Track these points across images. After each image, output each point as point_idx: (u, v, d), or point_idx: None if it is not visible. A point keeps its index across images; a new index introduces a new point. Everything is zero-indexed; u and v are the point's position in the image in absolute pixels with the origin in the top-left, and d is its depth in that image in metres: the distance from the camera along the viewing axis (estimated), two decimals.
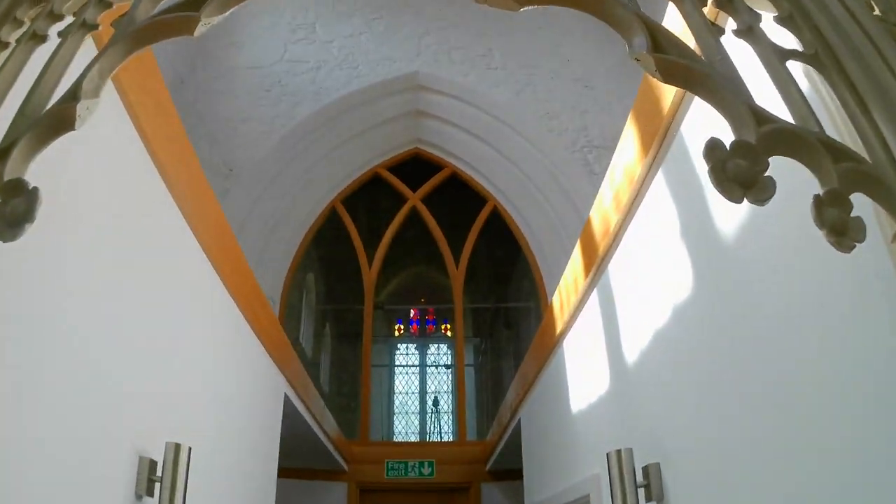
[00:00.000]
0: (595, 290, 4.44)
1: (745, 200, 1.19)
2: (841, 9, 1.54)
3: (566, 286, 4.97)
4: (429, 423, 16.48)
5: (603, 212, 4.03)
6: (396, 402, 17.14)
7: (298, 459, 9.26)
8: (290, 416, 6.55)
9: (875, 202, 1.25)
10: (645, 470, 3.32)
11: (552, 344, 5.53)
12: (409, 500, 10.89)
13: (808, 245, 1.83)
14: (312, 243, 12.58)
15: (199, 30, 1.44)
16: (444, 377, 16.91)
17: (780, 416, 2.19)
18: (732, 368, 2.58)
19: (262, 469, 5.52)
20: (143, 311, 3.13)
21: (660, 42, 1.40)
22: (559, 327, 5.23)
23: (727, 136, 1.25)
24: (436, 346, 17.85)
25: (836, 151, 1.26)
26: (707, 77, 1.36)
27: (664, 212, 3.25)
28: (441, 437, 15.81)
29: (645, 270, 3.57)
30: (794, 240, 2.09)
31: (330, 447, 8.76)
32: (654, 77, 1.41)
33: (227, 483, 4.46)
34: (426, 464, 10.61)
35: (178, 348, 3.61)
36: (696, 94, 1.40)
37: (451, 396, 16.06)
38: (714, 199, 2.70)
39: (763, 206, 1.20)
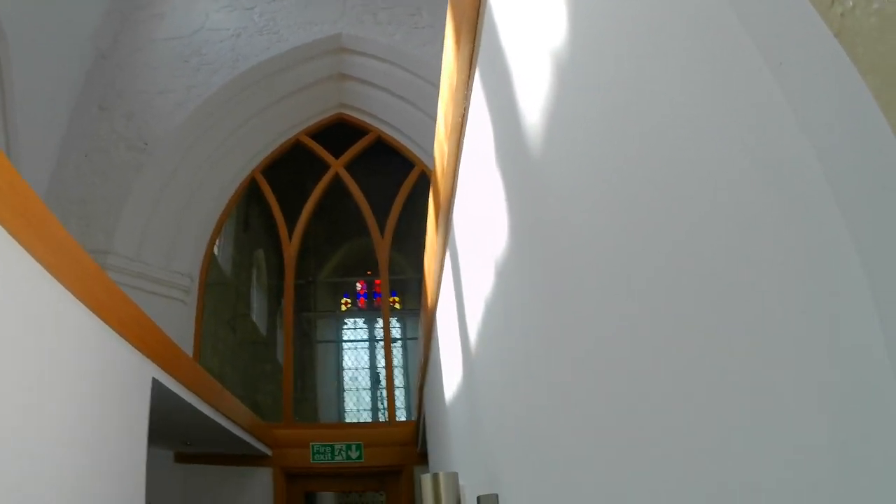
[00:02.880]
0: (448, 251, 3.30)
1: None
2: None
3: (428, 248, 3.83)
4: (370, 399, 15.56)
5: (440, 144, 2.88)
6: (345, 378, 16.20)
7: (212, 445, 8.45)
8: (169, 400, 5.66)
9: None
10: (478, 503, 2.18)
11: (430, 318, 4.40)
12: (338, 486, 9.88)
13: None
14: (234, 216, 11.53)
15: None
16: (394, 352, 15.84)
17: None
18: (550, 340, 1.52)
19: (115, 452, 4.37)
20: None
21: None
22: (430, 299, 4.09)
23: None
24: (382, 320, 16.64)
25: None
26: None
27: (483, 127, 2.11)
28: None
29: (476, 216, 2.41)
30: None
31: (237, 432, 7.69)
32: None
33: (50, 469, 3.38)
34: (353, 447, 9.54)
35: None
36: None
37: (399, 371, 14.99)
38: (524, 94, 1.59)
39: None
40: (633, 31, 0.99)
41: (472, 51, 2.18)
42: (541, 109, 1.45)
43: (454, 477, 2.23)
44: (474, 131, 2.29)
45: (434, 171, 3.17)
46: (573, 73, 1.26)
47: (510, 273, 1.87)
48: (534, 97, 1.50)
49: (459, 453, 3.39)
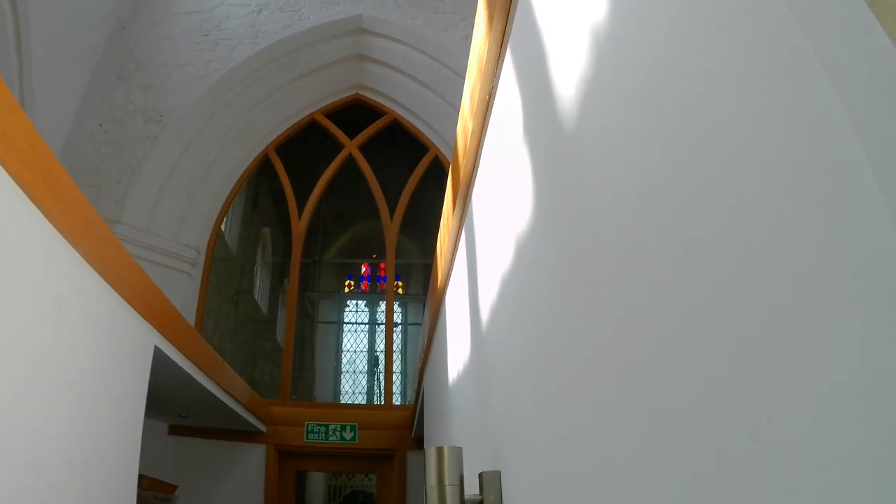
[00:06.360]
0: (464, 231, 3.32)
1: None
2: None
3: (442, 227, 3.85)
4: (367, 383, 15.58)
5: (464, 123, 2.89)
6: (343, 360, 16.24)
7: (207, 419, 8.51)
8: (169, 370, 5.71)
9: None
10: (481, 478, 2.20)
11: (438, 300, 4.41)
12: (331, 466, 9.92)
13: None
14: (243, 192, 11.59)
15: None
16: (395, 336, 15.82)
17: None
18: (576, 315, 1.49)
19: (113, 417, 4.36)
20: None
21: None
22: (440, 280, 4.10)
23: None
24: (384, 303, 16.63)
25: None
26: None
27: (512, 106, 2.12)
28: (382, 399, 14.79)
29: (497, 195, 2.42)
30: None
31: (235, 406, 7.72)
32: None
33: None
34: (348, 428, 9.57)
35: None
36: None
37: (398, 356, 14.99)
38: (558, 71, 1.59)
39: None
40: (672, 7, 1.00)
41: (505, 29, 2.19)
42: (575, 90, 1.45)
43: (458, 451, 2.24)
44: (502, 110, 2.30)
45: (455, 150, 3.18)
46: (610, 53, 1.26)
47: (532, 253, 1.87)
48: (568, 77, 1.50)
49: (461, 433, 3.40)
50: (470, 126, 2.69)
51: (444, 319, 4.24)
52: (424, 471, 2.22)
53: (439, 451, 2.21)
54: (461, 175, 3.02)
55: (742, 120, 0.78)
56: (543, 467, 1.76)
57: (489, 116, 2.52)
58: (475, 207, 2.96)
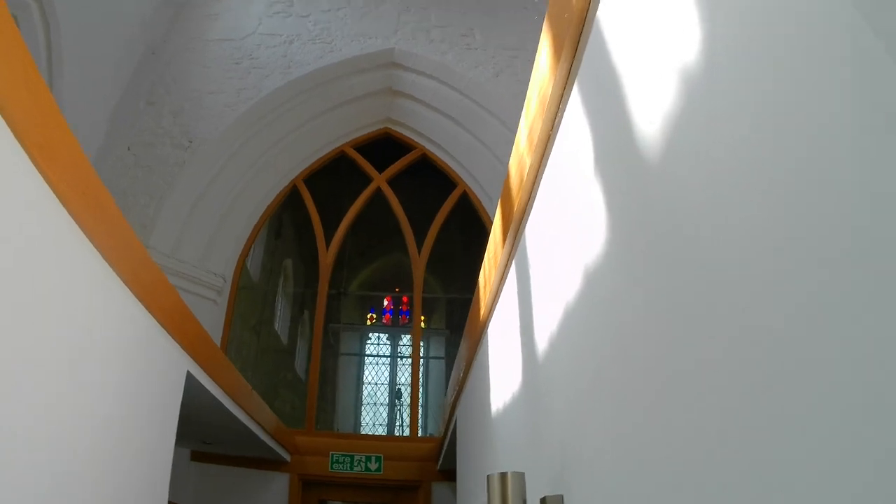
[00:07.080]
0: (514, 263, 3.36)
1: None
2: None
3: (488, 260, 3.91)
4: (388, 415, 15.57)
5: (519, 157, 2.95)
6: (364, 393, 16.26)
7: (232, 447, 8.50)
8: (199, 396, 5.73)
9: None
10: (543, 503, 2.24)
11: (478, 332, 4.44)
12: (354, 496, 9.91)
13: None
14: (270, 223, 11.66)
15: None
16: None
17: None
18: (653, 351, 1.52)
19: (143, 443, 4.33)
20: None
21: None
22: (483, 311, 4.14)
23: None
24: (408, 336, 16.62)
25: None
26: None
27: (579, 140, 2.17)
28: (403, 431, 14.73)
29: (558, 227, 2.47)
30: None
31: (261, 435, 7.74)
32: None
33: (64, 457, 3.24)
34: (373, 458, 9.58)
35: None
36: None
37: (421, 389, 15.02)
38: (637, 106, 1.64)
39: None
40: (772, 53, 1.03)
41: (571, 67, 2.25)
42: (660, 125, 1.47)
43: (521, 477, 2.29)
44: (566, 145, 2.35)
45: (507, 183, 3.23)
46: (703, 101, 1.28)
47: (605, 287, 1.91)
48: (652, 112, 1.53)
49: (507, 460, 3.42)
50: (528, 160, 2.74)
51: (486, 351, 4.28)
52: (487, 495, 2.26)
53: (503, 476, 2.26)
54: (514, 208, 3.07)
55: (842, 156, 0.81)
56: (608, 491, 1.80)
57: (549, 151, 2.58)
58: (529, 240, 3.01)
